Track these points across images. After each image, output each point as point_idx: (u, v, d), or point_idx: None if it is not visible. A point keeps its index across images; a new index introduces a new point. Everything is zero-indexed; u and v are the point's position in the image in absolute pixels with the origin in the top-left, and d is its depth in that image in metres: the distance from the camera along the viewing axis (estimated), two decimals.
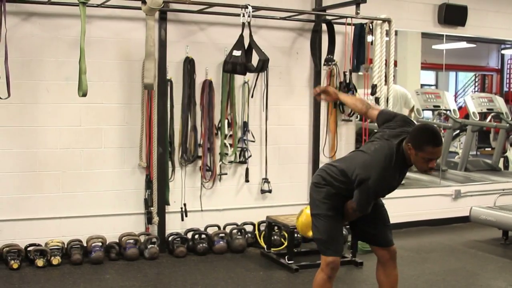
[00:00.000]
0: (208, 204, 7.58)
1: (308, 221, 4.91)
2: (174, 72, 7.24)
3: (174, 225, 7.37)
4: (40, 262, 6.47)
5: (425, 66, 12.91)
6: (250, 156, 7.73)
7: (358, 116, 8.35)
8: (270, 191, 7.88)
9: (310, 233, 4.82)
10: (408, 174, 9.67)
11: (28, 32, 6.61)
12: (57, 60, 6.74)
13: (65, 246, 6.80)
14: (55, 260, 6.53)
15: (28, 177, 6.74)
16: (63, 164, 6.86)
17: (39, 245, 6.68)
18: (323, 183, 4.56)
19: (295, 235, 7.14)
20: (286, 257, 6.82)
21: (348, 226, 5.07)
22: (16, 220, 6.72)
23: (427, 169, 4.25)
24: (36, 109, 6.71)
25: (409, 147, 4.20)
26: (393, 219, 4.91)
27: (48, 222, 6.84)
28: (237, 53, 6.80)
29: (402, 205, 8.53)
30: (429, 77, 16.13)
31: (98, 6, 6.65)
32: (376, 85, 7.77)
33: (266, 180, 7.89)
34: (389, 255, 4.68)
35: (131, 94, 7.09)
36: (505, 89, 16.84)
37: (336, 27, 7.93)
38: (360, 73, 8.14)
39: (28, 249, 6.64)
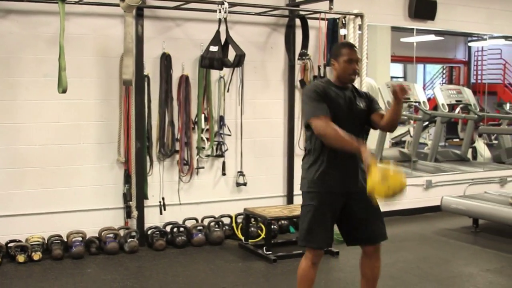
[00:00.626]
0: (186, 197, 7.67)
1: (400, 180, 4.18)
2: (151, 68, 7.32)
3: (153, 218, 7.45)
4: (21, 258, 6.51)
5: (394, 59, 13.10)
6: (227, 149, 7.84)
7: None
8: (245, 184, 8.00)
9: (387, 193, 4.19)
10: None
11: (6, 30, 6.64)
12: (35, 57, 6.78)
13: (46, 242, 6.84)
14: (36, 256, 6.58)
15: (8, 174, 6.78)
16: (43, 160, 6.91)
17: (19, 241, 6.71)
18: (303, 176, 4.70)
19: (272, 226, 7.26)
20: (264, 248, 6.93)
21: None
22: None
23: (351, 72, 4.57)
24: (15, 106, 6.74)
25: (333, 63, 4.65)
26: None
27: (28, 218, 6.88)
28: (214, 48, 6.90)
29: None
30: (397, 69, 16.34)
31: (76, 3, 6.72)
32: None
33: (241, 173, 8.01)
34: (373, 248, 4.76)
35: (109, 90, 7.15)
36: (473, 80, 17.12)
37: (309, 22, 8.07)
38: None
39: (9, 245, 6.68)
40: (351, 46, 4.70)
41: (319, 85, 4.58)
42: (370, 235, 4.73)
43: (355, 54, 4.61)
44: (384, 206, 4.84)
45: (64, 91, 6.20)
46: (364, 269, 4.84)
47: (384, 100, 10.76)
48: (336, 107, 4.48)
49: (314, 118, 4.42)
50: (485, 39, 12.78)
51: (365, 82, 8.10)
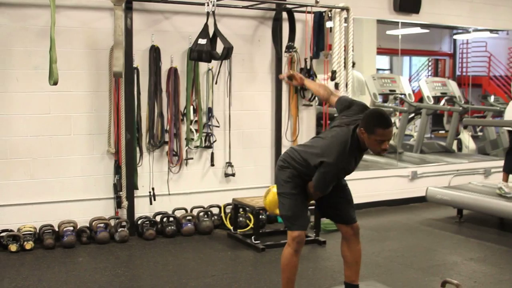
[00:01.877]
0: (176, 188, 7.77)
1: (275, 199, 5.11)
2: (140, 60, 7.40)
3: (143, 208, 7.55)
4: (13, 247, 6.59)
5: (380, 51, 13.18)
6: (215, 141, 7.93)
7: (318, 101, 8.59)
8: (233, 175, 8.10)
9: (277, 211, 5.05)
10: (367, 157, 10.04)
11: None
12: (26, 50, 6.84)
13: (37, 231, 6.92)
14: (28, 245, 6.66)
15: None
16: (33, 151, 6.98)
17: (11, 230, 6.79)
18: (286, 165, 4.82)
19: (260, 216, 7.37)
20: (252, 237, 7.04)
21: (313, 207, 5.31)
22: None
23: (380, 151, 4.52)
24: (5, 97, 6.81)
25: (362, 131, 4.46)
26: (353, 200, 5.12)
27: (20, 208, 6.96)
28: (202, 41, 7.00)
29: (362, 186, 8.79)
30: (383, 61, 16.42)
31: None
32: (335, 70, 8.04)
33: (229, 164, 8.10)
34: (352, 231, 4.95)
35: (98, 82, 7.23)
36: (458, 73, 17.22)
37: (296, 15, 8.17)
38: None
39: (1, 234, 6.75)
40: (387, 126, 4.42)
41: (344, 166, 4.60)
42: (342, 212, 4.98)
43: (390, 134, 4.47)
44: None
45: (55, 83, 6.29)
46: (344, 251, 5.02)
47: (370, 91, 10.90)
48: (347, 167, 4.63)
49: (321, 190, 4.70)
50: (470, 32, 12.90)
51: (351, 76, 8.23)
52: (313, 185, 4.65)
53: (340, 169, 4.57)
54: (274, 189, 5.12)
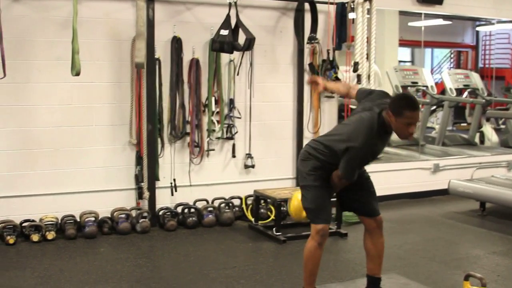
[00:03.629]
0: (197, 179, 7.77)
1: (299, 205, 5.05)
2: (162, 51, 7.40)
3: (164, 199, 7.56)
4: (35, 237, 6.63)
5: (402, 43, 13.12)
6: (237, 132, 7.92)
7: None
8: (253, 166, 8.08)
9: (304, 214, 4.99)
10: (388, 149, 9.98)
11: (19, 13, 6.72)
12: (48, 40, 6.87)
13: (59, 222, 6.96)
14: (50, 235, 6.70)
15: (22, 155, 6.89)
16: (56, 142, 7.01)
17: (33, 220, 6.83)
18: (309, 157, 4.79)
19: (282, 208, 7.35)
20: (273, 229, 7.04)
21: (335, 199, 5.25)
22: (11, 197, 6.88)
23: (407, 134, 4.49)
24: (28, 88, 6.84)
25: (389, 114, 4.43)
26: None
27: (42, 198, 7.00)
28: (224, 32, 7.00)
29: (383, 178, 8.69)
30: (405, 53, 16.36)
31: None
32: (358, 62, 7.98)
33: (249, 156, 8.09)
34: (375, 224, 4.92)
35: (120, 73, 7.24)
36: (480, 65, 17.10)
37: (318, 6, 8.13)
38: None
39: (23, 224, 6.80)
40: (415, 108, 4.45)
41: (371, 149, 4.58)
42: (365, 204, 4.95)
43: (418, 117, 4.51)
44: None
45: (77, 74, 6.31)
46: (367, 244, 4.99)
47: (392, 83, 10.83)
48: (374, 150, 4.63)
49: (348, 176, 4.63)
50: (493, 24, 12.80)
51: (373, 67, 8.19)
52: (340, 172, 4.60)
53: (366, 153, 4.54)
54: (298, 195, 5.07)
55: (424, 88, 11.69)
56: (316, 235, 4.73)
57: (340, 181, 4.71)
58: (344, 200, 5.06)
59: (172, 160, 7.57)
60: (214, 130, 7.75)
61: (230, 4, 7.05)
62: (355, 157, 4.50)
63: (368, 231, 4.96)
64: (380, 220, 4.95)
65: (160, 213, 7.45)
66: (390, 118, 4.44)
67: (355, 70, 8.00)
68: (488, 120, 13.14)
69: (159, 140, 7.47)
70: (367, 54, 8.09)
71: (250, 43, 7.06)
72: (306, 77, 8.26)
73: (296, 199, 5.20)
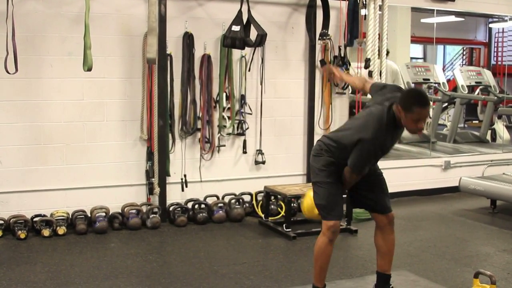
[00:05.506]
0: (207, 175, 7.78)
1: (313, 204, 4.99)
2: (174, 47, 7.40)
3: (174, 195, 7.57)
4: (46, 232, 6.66)
5: (414, 40, 13.07)
6: (248, 128, 7.92)
7: (351, 89, 8.54)
8: (263, 162, 8.08)
9: (316, 212, 4.94)
10: (399, 146, 9.96)
11: (31, 9, 6.73)
12: (60, 36, 6.88)
13: (70, 217, 6.99)
14: (61, 230, 6.73)
15: (33, 150, 6.91)
16: (67, 137, 7.03)
17: (44, 215, 6.87)
18: (321, 152, 4.78)
19: (292, 204, 7.35)
20: (284, 225, 7.04)
21: (346, 196, 5.23)
22: (22, 192, 6.91)
23: (416, 129, 4.50)
24: (40, 83, 6.86)
25: (399, 109, 4.42)
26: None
27: (53, 193, 7.03)
28: (236, 28, 7.00)
29: (394, 175, 8.62)
30: (417, 50, 16.29)
31: None
32: (369, 58, 7.97)
33: (260, 152, 8.09)
34: (387, 220, 4.91)
35: (132, 69, 7.24)
36: (493, 62, 17.02)
37: (330, 2, 8.10)
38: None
39: (34, 219, 6.83)
40: (425, 105, 4.44)
41: (381, 143, 4.57)
42: (376, 201, 4.94)
43: (427, 113, 4.51)
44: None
45: (89, 69, 6.33)
46: (378, 241, 4.98)
47: (404, 80, 10.80)
48: (384, 144, 4.61)
49: (358, 170, 4.63)
50: (506, 21, 12.71)
51: (385, 65, 8.18)
52: (350, 165, 4.60)
53: (376, 146, 4.52)
54: (311, 193, 5.06)
55: (436, 85, 11.64)
56: (327, 231, 4.72)
57: (351, 177, 4.69)
58: (356, 197, 5.05)
59: (183, 155, 7.58)
60: (225, 126, 7.75)
61: (241, 0, 7.04)
62: (365, 150, 4.49)
63: (379, 228, 4.96)
64: (392, 217, 4.94)
65: (171, 208, 7.46)
66: (399, 113, 4.43)
67: (366, 67, 7.99)
68: (500, 117, 13.08)
69: (170, 135, 7.48)
70: (378, 51, 8.08)
71: (261, 39, 7.06)
72: (318, 73, 8.25)
73: (309, 197, 5.18)
